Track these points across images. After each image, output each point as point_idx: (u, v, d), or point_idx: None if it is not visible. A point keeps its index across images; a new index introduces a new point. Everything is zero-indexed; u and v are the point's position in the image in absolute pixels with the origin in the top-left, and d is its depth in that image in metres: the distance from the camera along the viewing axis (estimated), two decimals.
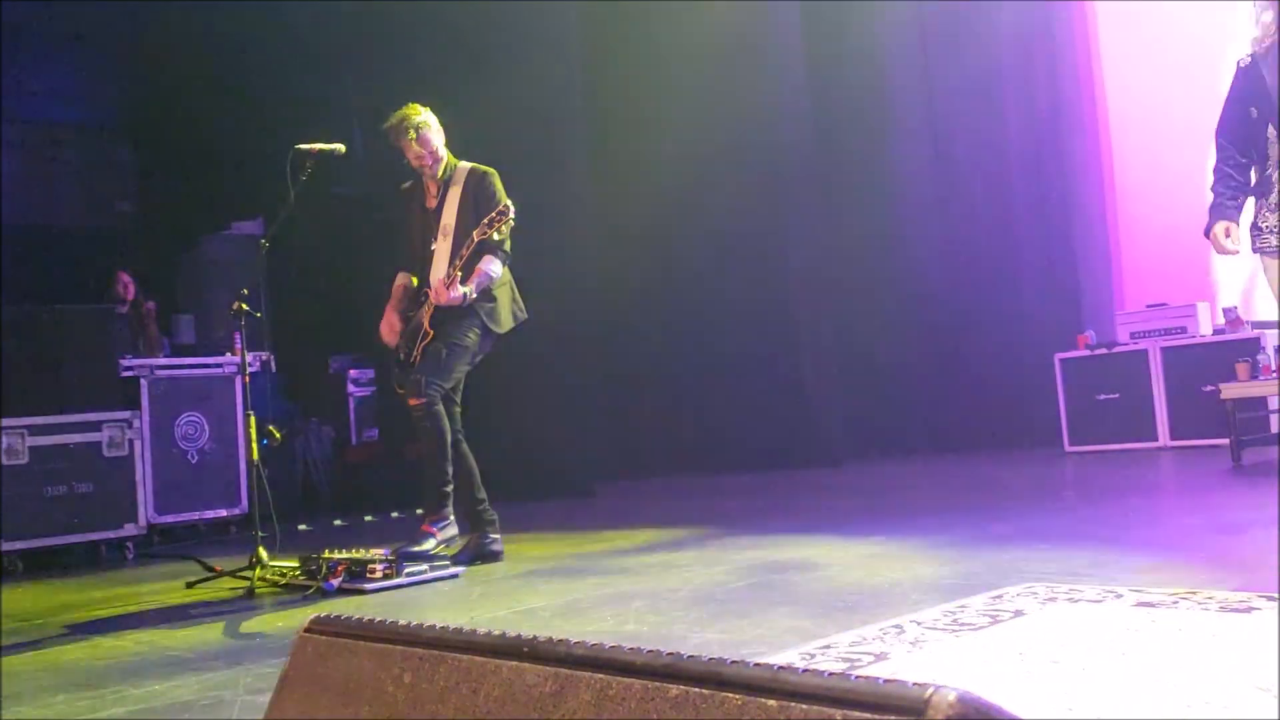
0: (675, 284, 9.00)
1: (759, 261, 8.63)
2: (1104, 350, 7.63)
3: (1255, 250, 3.65)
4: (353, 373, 9.27)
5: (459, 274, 4.55)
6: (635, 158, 9.07)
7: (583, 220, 8.01)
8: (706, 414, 8.89)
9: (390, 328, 4.82)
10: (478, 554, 4.64)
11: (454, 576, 4.32)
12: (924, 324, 9.11)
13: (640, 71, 9.06)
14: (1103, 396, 7.60)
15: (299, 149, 4.75)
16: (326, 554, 4.28)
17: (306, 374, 9.23)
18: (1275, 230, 3.54)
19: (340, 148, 4.85)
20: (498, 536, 4.72)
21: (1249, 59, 3.58)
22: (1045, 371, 7.95)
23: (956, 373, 8.94)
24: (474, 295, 4.57)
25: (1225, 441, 6.32)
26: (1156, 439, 7.36)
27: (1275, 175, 3.52)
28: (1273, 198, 3.54)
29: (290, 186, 4.71)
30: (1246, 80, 3.57)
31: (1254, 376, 6.44)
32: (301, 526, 7.08)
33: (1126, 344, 7.61)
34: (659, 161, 9.00)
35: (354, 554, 4.27)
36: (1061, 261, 8.68)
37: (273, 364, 8.33)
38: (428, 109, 4.80)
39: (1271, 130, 3.50)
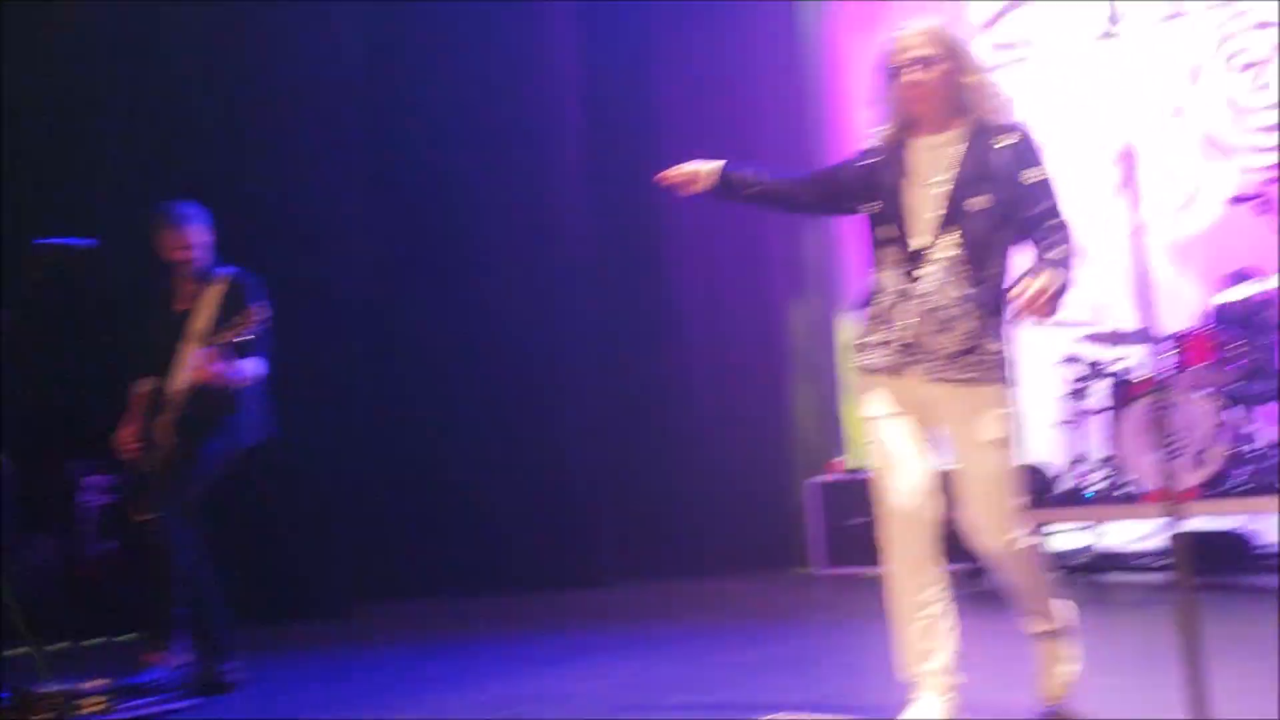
0: (431, 381, 8.50)
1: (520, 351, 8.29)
2: (854, 475, 7.90)
3: (861, 369, 2.98)
4: (89, 479, 8.61)
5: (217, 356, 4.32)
6: None
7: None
8: (471, 529, 8.54)
9: (130, 438, 4.53)
10: (210, 684, 4.31)
11: (180, 710, 4.01)
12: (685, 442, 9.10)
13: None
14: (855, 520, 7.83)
15: (37, 244, 4.45)
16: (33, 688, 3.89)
17: (38, 480, 8.51)
18: (886, 346, 2.91)
19: (90, 242, 4.55)
20: (236, 665, 4.40)
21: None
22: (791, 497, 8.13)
23: (712, 494, 8.89)
24: (237, 381, 4.35)
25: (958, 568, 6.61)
26: None
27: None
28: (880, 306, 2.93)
29: (25, 282, 4.42)
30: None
31: None
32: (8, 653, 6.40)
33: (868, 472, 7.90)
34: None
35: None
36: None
37: (6, 466, 7.65)
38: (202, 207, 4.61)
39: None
